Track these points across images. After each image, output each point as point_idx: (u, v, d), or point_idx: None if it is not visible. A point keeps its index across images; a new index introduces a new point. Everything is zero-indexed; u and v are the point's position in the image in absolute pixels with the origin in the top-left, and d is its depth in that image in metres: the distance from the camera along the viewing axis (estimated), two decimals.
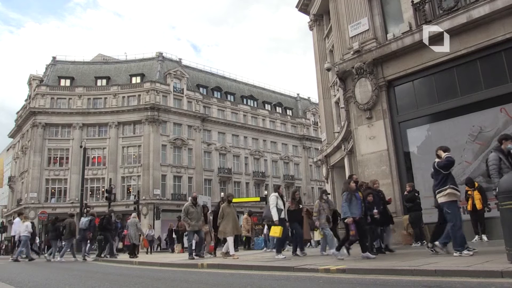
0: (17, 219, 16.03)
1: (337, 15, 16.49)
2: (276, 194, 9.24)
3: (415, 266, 5.29)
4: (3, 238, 41.53)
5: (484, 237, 9.53)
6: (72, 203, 39.49)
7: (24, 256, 14.98)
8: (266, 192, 46.38)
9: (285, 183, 51.79)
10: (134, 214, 15.06)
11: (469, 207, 9.55)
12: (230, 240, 9.81)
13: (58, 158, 42.16)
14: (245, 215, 18.00)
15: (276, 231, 8.91)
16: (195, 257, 10.55)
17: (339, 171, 20.47)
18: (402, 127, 11.71)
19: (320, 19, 22.26)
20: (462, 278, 4.46)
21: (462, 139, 10.48)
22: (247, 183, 49.33)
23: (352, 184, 7.83)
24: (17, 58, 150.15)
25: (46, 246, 16.47)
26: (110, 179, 37.06)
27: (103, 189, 38.13)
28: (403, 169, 11.50)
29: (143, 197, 37.77)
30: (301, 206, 9.95)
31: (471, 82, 10.37)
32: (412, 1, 11.62)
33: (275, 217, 8.90)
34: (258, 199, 44.06)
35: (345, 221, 7.51)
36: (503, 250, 4.99)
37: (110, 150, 41.95)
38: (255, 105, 54.12)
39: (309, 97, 62.40)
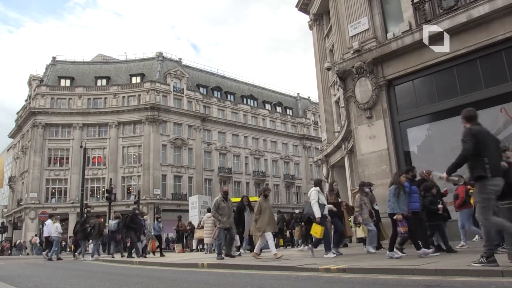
0: (49, 221, 16.90)
1: (337, 15, 16.48)
2: (318, 188, 8.55)
3: (415, 265, 5.30)
4: (3, 238, 41.53)
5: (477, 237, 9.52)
6: (72, 203, 39.54)
7: (54, 255, 16.15)
8: None
9: (285, 182, 51.82)
10: (145, 217, 15.48)
11: None
12: (270, 237, 8.97)
13: (58, 158, 42.18)
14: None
15: (316, 231, 8.16)
16: (225, 257, 9.64)
17: (339, 171, 20.47)
18: (402, 127, 11.71)
19: (320, 18, 22.26)
20: (463, 277, 4.46)
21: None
22: (247, 183, 49.34)
23: (402, 178, 7.24)
24: (17, 58, 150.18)
25: (74, 246, 17.86)
26: (111, 179, 37.06)
27: (103, 189, 38.14)
28: (403, 169, 11.48)
29: (144, 197, 37.79)
30: (339, 199, 9.28)
31: (471, 81, 10.36)
32: (412, 1, 11.61)
33: (318, 214, 8.20)
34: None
35: (394, 217, 6.95)
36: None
37: (110, 150, 41.97)
38: (255, 105, 54.12)
39: (309, 97, 62.41)
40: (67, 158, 41.95)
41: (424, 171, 8.45)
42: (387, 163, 11.43)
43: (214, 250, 15.13)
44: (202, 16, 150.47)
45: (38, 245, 34.68)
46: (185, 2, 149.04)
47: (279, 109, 57.18)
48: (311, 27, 23.17)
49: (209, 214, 15.46)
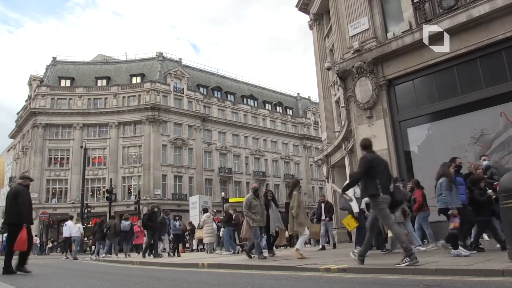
0: (70, 222, 17.36)
1: (337, 15, 16.48)
2: None
3: (415, 265, 5.29)
4: (4, 239, 41.55)
5: (485, 236, 9.52)
6: (73, 203, 39.56)
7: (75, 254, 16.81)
8: None
9: (285, 182, 51.78)
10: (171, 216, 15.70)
11: None
12: (307, 233, 8.50)
13: (58, 159, 42.22)
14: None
15: (349, 223, 7.61)
16: (260, 258, 8.76)
17: (340, 171, 20.47)
18: (403, 126, 11.70)
19: (320, 18, 22.26)
20: (463, 277, 4.46)
21: (463, 138, 10.48)
22: (247, 183, 49.30)
23: (452, 169, 6.64)
24: (17, 58, 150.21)
25: (92, 246, 18.50)
26: (111, 179, 37.12)
27: (103, 189, 38.19)
28: (403, 168, 11.49)
29: (144, 197, 37.79)
30: None
31: (471, 81, 10.36)
32: (412, 0, 11.61)
33: (356, 209, 7.80)
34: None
35: (449, 213, 6.34)
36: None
37: (111, 150, 41.99)
38: (256, 105, 54.13)
39: (309, 97, 62.42)
40: (68, 159, 41.98)
41: (472, 165, 8.09)
42: (387, 163, 11.41)
43: (214, 249, 15.22)
44: (202, 16, 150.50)
45: (38, 245, 34.71)
46: (185, 2, 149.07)
47: (279, 109, 57.18)
48: (311, 27, 23.17)
49: (208, 214, 15.53)
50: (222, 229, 14.54)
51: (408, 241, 7.16)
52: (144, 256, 13.11)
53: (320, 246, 12.17)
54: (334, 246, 12.88)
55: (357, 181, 6.33)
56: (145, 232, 14.51)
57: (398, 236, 5.90)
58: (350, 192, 7.95)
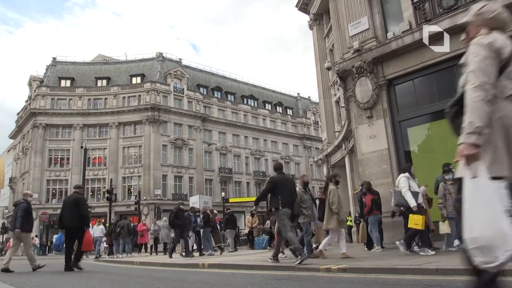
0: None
1: (337, 14, 16.48)
2: (407, 174, 7.68)
3: (416, 265, 5.29)
4: (4, 239, 41.56)
5: None
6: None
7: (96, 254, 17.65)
8: None
9: None
10: (165, 218, 16.20)
11: None
12: (343, 233, 7.95)
13: (58, 159, 42.22)
14: (248, 217, 18.11)
15: (417, 222, 7.15)
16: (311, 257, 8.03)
17: (340, 171, 20.43)
18: (403, 126, 11.70)
19: (320, 18, 22.26)
20: (463, 276, 4.44)
21: None
22: (247, 183, 49.35)
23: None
24: (16, 58, 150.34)
25: (109, 246, 19.00)
26: (111, 179, 37.10)
27: (104, 190, 38.18)
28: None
29: (144, 197, 37.80)
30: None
31: None
32: (412, 0, 11.61)
33: (413, 203, 7.25)
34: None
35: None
36: None
37: (111, 150, 41.99)
38: (256, 105, 54.12)
39: (309, 97, 62.42)
40: (68, 159, 42.00)
41: None
42: (387, 163, 11.42)
43: (215, 249, 15.17)
44: (202, 15, 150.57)
45: (38, 245, 34.72)
46: (184, 1, 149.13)
47: (279, 109, 57.18)
48: (311, 27, 23.17)
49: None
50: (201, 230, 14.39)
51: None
52: (170, 256, 12.28)
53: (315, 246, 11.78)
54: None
55: (263, 196, 7.72)
56: (147, 232, 14.57)
57: (291, 240, 7.19)
58: (405, 187, 7.50)
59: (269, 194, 7.47)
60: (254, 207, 10.80)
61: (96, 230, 17.71)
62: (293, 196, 7.55)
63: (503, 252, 1.88)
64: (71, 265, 8.36)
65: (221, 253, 13.59)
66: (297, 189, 8.56)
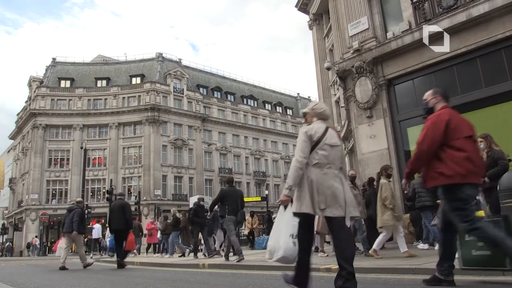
0: (98, 225, 19.39)
1: (337, 14, 16.48)
2: None
3: (416, 264, 5.29)
4: (4, 240, 41.56)
5: None
6: (73, 204, 39.51)
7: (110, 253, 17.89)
8: (267, 191, 46.40)
9: (286, 182, 51.75)
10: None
11: None
12: (400, 229, 7.28)
13: (58, 159, 42.23)
14: (248, 217, 18.09)
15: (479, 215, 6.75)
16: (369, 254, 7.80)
17: None
18: (403, 126, 11.69)
19: (320, 18, 22.25)
20: (464, 276, 4.46)
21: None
22: (248, 183, 49.36)
23: None
24: (16, 59, 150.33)
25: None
26: (111, 180, 37.11)
27: (104, 190, 38.17)
28: (403, 168, 11.48)
29: (144, 198, 37.80)
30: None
31: (471, 80, 10.35)
32: (412, 0, 11.61)
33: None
34: (259, 199, 44.12)
35: None
36: None
37: (111, 151, 41.99)
38: (255, 105, 54.13)
39: (309, 97, 62.44)
40: (68, 159, 42.00)
41: None
42: (387, 163, 11.40)
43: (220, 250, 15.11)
44: (201, 15, 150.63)
45: (38, 246, 34.73)
46: (183, 1, 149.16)
47: (279, 109, 57.20)
48: (310, 27, 23.16)
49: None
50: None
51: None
52: (196, 255, 11.69)
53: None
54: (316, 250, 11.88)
55: (214, 204, 9.36)
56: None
57: (234, 243, 8.64)
58: None
59: (219, 203, 8.99)
60: (208, 213, 12.33)
61: (108, 231, 17.94)
62: (239, 205, 8.82)
63: (276, 256, 3.48)
64: (121, 263, 9.46)
65: (194, 256, 13.26)
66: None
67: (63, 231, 10.17)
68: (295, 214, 3.42)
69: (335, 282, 3.28)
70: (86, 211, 29.03)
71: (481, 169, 3.81)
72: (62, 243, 10.67)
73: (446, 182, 3.60)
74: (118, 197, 10.70)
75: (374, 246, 7.23)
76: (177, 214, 14.33)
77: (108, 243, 17.56)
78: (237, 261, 7.94)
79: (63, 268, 9.15)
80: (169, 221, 14.93)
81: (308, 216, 3.43)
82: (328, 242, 10.19)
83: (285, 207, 3.52)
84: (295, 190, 3.44)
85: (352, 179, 8.32)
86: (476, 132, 3.93)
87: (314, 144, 3.51)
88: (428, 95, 4.11)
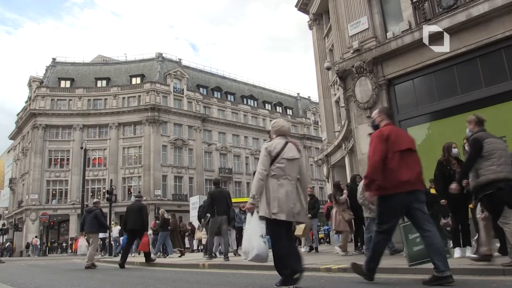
0: (118, 227, 18.99)
1: (337, 14, 16.49)
2: None
3: (211, 260, 5.26)
4: (4, 240, 41.56)
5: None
6: (73, 204, 39.57)
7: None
8: None
9: None
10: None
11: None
12: None
13: (58, 160, 42.23)
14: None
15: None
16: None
17: (340, 170, 20.46)
18: (403, 126, 11.66)
19: (320, 18, 22.27)
20: (464, 276, 4.46)
21: (463, 138, 10.45)
22: (248, 183, 49.31)
23: None
24: (16, 59, 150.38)
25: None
26: (111, 180, 37.03)
27: (104, 190, 38.17)
28: None
29: (144, 198, 37.70)
30: None
31: (471, 80, 10.35)
32: (412, 0, 11.61)
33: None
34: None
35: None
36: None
37: (111, 151, 41.99)
38: (255, 105, 54.13)
39: (309, 97, 62.44)
40: (68, 160, 42.00)
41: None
42: None
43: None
44: (201, 15, 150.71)
45: (38, 246, 34.72)
46: (183, 1, 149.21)
47: (279, 109, 57.19)
48: (310, 27, 23.17)
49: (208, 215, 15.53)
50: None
51: None
52: (211, 256, 10.25)
53: (308, 248, 11.00)
54: (316, 250, 11.19)
55: (207, 210, 9.70)
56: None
57: (210, 242, 9.49)
58: None
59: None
60: (202, 220, 12.07)
61: (114, 231, 18.09)
62: (228, 205, 9.35)
63: (251, 255, 3.95)
64: (123, 263, 9.74)
65: (179, 256, 13.27)
66: (363, 181, 7.46)
67: (85, 231, 10.39)
68: (260, 217, 4.00)
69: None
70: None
71: (417, 177, 4.22)
72: (82, 241, 11.24)
73: (382, 193, 4.15)
74: (136, 198, 11.26)
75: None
76: (166, 215, 14.30)
77: (121, 242, 17.49)
78: (207, 259, 9.00)
79: (91, 266, 9.51)
80: (157, 221, 15.14)
81: (283, 222, 3.95)
82: (350, 241, 10.43)
83: (252, 213, 4.06)
84: (258, 198, 3.98)
85: None
86: (415, 145, 4.39)
87: (273, 158, 4.03)
88: (374, 114, 4.63)
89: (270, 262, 4.03)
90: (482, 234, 5.28)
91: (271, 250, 3.97)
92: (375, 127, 4.53)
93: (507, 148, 5.14)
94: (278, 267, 4.04)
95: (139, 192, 35.42)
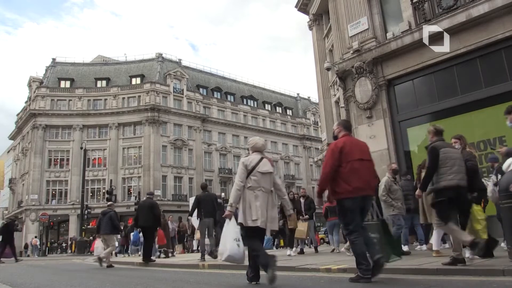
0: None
1: (337, 15, 16.48)
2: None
3: (416, 265, 5.29)
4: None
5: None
6: (73, 204, 39.55)
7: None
8: None
9: (285, 183, 51.78)
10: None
11: None
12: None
13: (58, 160, 42.22)
14: None
15: None
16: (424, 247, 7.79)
17: None
18: (402, 126, 11.70)
19: (320, 18, 22.26)
20: (464, 276, 4.46)
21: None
22: None
23: None
24: (16, 59, 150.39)
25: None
26: (111, 180, 37.11)
27: (103, 190, 38.17)
28: (403, 168, 11.47)
29: (144, 198, 37.72)
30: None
31: (471, 80, 10.36)
32: (411, 0, 11.61)
33: None
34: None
35: None
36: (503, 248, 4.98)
37: (111, 151, 41.98)
38: (255, 105, 54.14)
39: (309, 97, 62.45)
40: (68, 160, 41.98)
41: None
42: (387, 163, 11.40)
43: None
44: (201, 15, 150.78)
45: (38, 246, 34.69)
46: (183, 1, 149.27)
47: (279, 109, 57.20)
48: (310, 27, 23.17)
49: None
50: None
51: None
52: (216, 256, 10.29)
53: (299, 249, 10.65)
54: (316, 250, 11.31)
55: (194, 210, 9.79)
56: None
57: (202, 245, 9.80)
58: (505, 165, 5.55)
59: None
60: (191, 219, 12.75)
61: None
62: (215, 207, 9.72)
63: (224, 256, 4.40)
64: (147, 258, 10.14)
65: (165, 257, 13.03)
66: (385, 178, 7.84)
67: (101, 232, 10.67)
68: (239, 223, 4.48)
69: (247, 273, 4.66)
70: (86, 211, 29.18)
71: (366, 184, 4.53)
72: (98, 243, 11.55)
73: (337, 198, 4.55)
74: (147, 195, 11.61)
75: (434, 247, 6.48)
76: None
77: (131, 238, 17.49)
78: (200, 260, 9.16)
79: (110, 266, 9.91)
80: None
81: (256, 228, 4.45)
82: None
83: (230, 218, 4.47)
84: (235, 207, 4.50)
85: (394, 173, 8.09)
86: (369, 154, 4.75)
87: (249, 171, 4.55)
88: (334, 126, 5.03)
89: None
90: (451, 238, 5.54)
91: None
92: (335, 137, 4.89)
93: (462, 157, 5.49)
94: (257, 264, 4.52)
95: (122, 191, 35.56)
